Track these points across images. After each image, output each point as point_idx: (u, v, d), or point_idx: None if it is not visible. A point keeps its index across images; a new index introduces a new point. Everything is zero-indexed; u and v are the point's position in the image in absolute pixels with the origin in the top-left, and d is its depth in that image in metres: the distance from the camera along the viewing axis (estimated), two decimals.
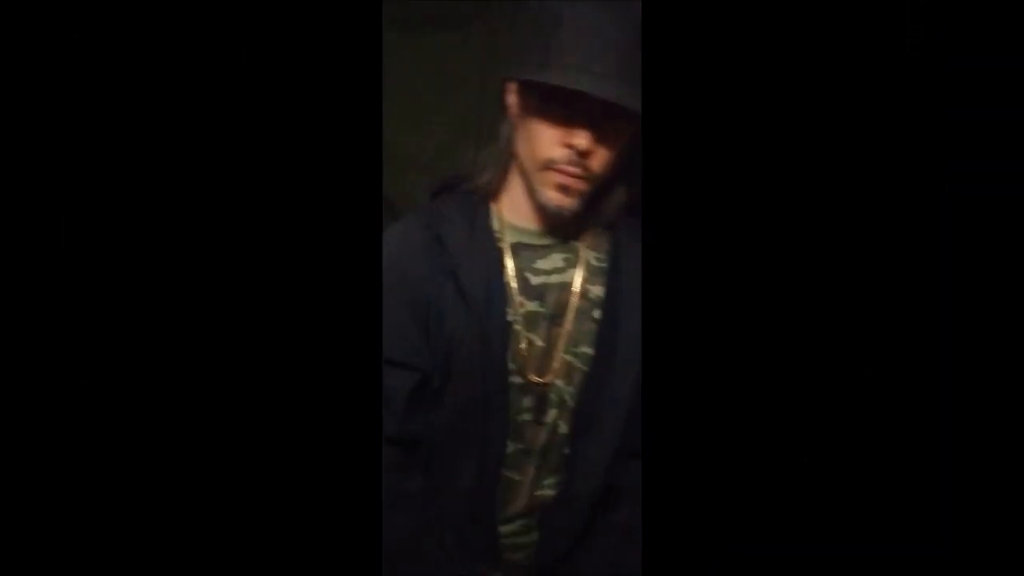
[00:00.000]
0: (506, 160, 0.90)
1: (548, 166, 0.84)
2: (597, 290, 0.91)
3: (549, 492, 0.91)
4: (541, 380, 0.88)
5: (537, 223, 0.91)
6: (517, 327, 0.88)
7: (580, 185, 0.85)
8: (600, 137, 0.83)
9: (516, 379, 0.88)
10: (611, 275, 0.92)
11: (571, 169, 0.83)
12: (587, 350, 0.90)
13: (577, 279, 0.90)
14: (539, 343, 0.89)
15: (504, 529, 0.91)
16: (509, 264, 0.89)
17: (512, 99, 0.87)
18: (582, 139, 0.81)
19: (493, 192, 0.93)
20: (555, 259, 0.91)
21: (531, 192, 0.88)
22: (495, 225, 0.92)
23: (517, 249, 0.91)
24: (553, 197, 0.85)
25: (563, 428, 0.90)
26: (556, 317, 0.90)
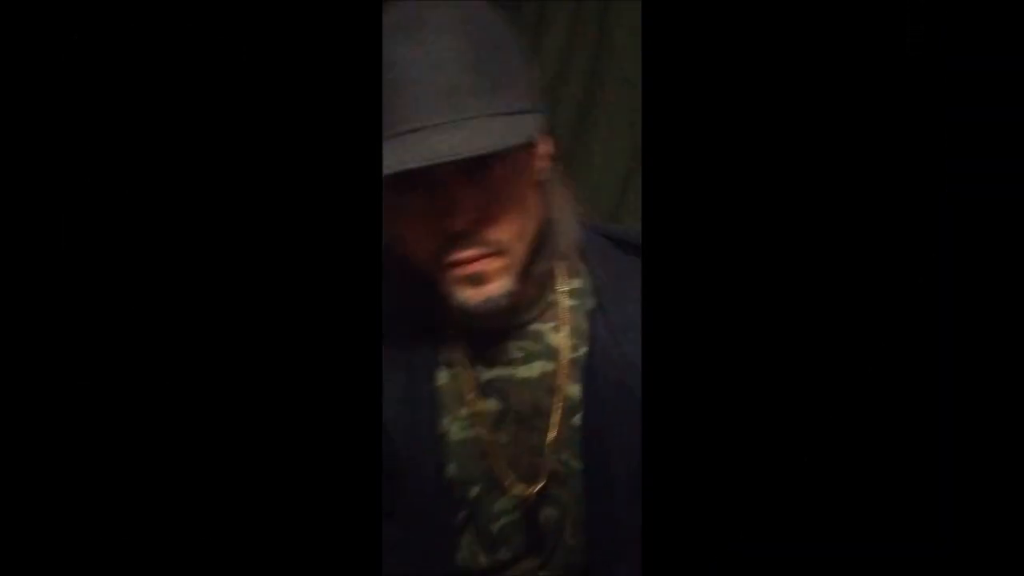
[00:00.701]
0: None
1: (442, 265, 0.66)
2: (572, 389, 0.72)
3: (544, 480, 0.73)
4: (527, 492, 0.71)
5: (477, 321, 0.70)
6: (466, 433, 0.71)
7: (493, 265, 0.65)
8: (485, 197, 0.64)
9: (474, 491, 0.71)
10: (587, 367, 0.71)
11: (468, 255, 0.65)
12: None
13: (537, 372, 0.72)
14: (510, 447, 0.72)
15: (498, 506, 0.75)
16: (454, 359, 0.72)
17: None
18: (458, 217, 0.63)
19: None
20: (509, 348, 0.72)
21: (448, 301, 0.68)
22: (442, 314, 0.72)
23: (465, 338, 0.72)
24: (470, 296, 0.66)
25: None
26: (522, 417, 0.72)
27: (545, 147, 0.69)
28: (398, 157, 0.61)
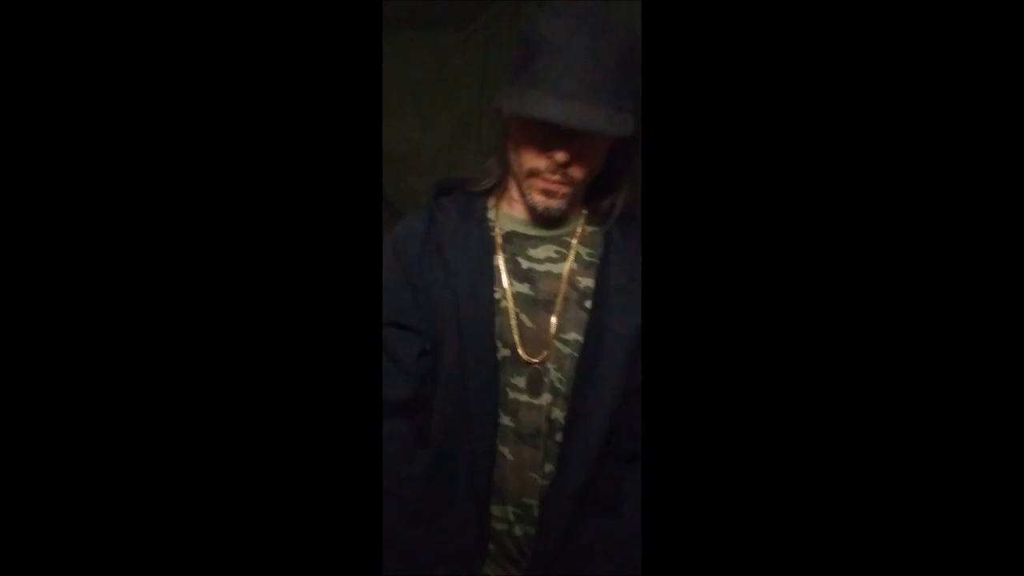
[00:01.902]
0: (503, 167, 0.98)
1: (533, 174, 0.93)
2: (587, 281, 0.96)
3: (542, 482, 0.92)
4: (533, 360, 0.93)
5: (530, 219, 0.99)
6: (505, 305, 0.94)
7: (563, 190, 0.94)
8: (579, 150, 0.91)
9: (506, 353, 0.93)
10: (601, 268, 0.97)
11: (553, 178, 0.93)
12: (576, 337, 0.94)
13: (566, 269, 0.96)
14: (529, 324, 0.94)
15: (495, 511, 0.93)
16: (500, 247, 0.97)
17: (501, 115, 0.94)
18: (560, 155, 0.90)
19: (491, 192, 1.01)
20: (547, 249, 0.98)
21: (522, 193, 0.97)
22: (491, 216, 1.00)
23: (510, 237, 0.98)
24: (539, 200, 0.94)
25: (556, 414, 0.92)
26: (547, 303, 0.95)
27: (633, 139, 0.93)
28: (536, 106, 0.86)
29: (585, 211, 0.99)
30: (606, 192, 0.98)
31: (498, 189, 0.99)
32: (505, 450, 0.93)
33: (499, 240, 0.97)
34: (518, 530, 0.93)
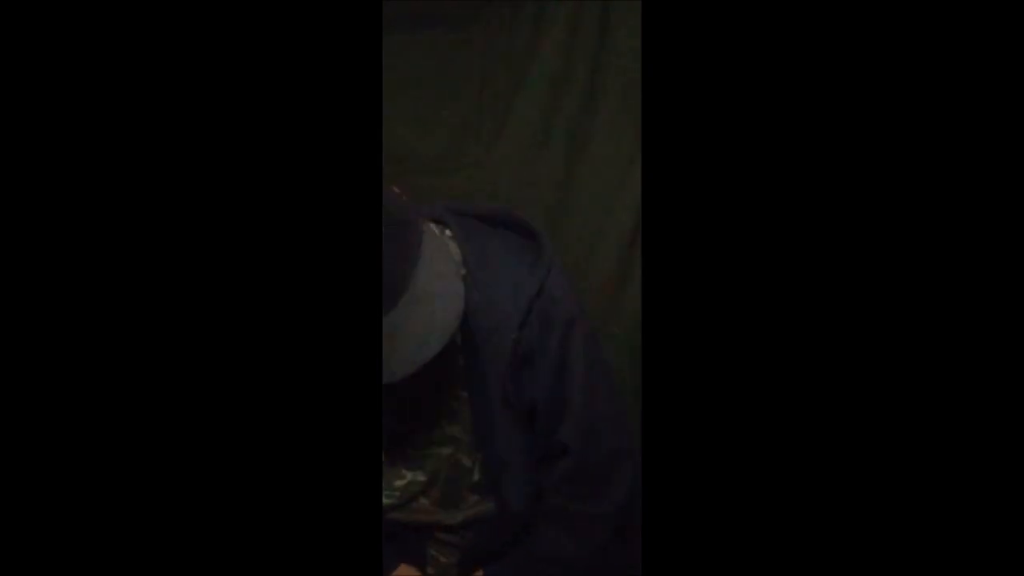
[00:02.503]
0: None
1: None
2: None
3: (459, 516, 0.99)
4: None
5: None
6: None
7: None
8: None
9: None
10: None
11: None
12: (464, 392, 0.95)
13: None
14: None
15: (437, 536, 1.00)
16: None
17: None
18: None
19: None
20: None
21: None
22: None
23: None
24: None
25: (464, 461, 0.97)
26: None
27: None
28: None
29: None
30: None
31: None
32: (423, 499, 0.99)
33: None
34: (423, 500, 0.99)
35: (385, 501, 0.99)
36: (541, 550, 0.97)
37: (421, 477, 0.98)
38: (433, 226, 0.94)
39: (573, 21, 1.17)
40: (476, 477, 0.98)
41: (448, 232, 0.96)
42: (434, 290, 0.83)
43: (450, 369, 0.94)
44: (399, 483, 0.99)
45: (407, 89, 1.27)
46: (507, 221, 1.00)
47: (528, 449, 0.97)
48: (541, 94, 1.18)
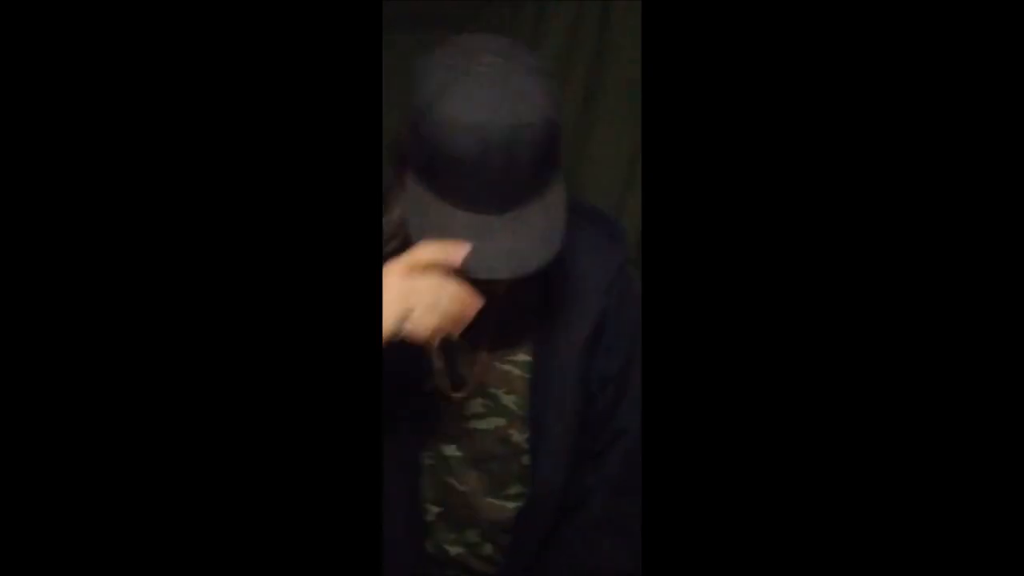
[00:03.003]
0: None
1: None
2: (516, 436, 0.89)
3: (509, 504, 0.89)
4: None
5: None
6: (440, 466, 0.88)
7: None
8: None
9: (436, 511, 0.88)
10: (531, 419, 0.88)
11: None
12: (525, 357, 0.88)
13: (494, 425, 0.89)
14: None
15: (453, 550, 0.90)
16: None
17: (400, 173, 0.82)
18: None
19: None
20: (474, 405, 0.89)
21: None
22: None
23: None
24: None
25: (516, 437, 0.88)
26: (481, 463, 0.89)
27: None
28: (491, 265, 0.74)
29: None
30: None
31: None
32: (453, 480, 0.89)
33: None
34: (488, 548, 0.90)
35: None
36: (595, 564, 0.90)
37: (458, 452, 0.90)
38: None
39: (573, 21, 1.17)
40: (526, 460, 0.89)
41: None
42: (560, 213, 0.76)
43: (520, 325, 0.86)
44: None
45: (407, 89, 1.27)
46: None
47: (576, 431, 0.88)
48: None
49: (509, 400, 0.88)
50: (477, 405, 0.88)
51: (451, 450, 0.89)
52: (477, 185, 0.73)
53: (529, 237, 0.74)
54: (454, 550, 0.91)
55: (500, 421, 0.88)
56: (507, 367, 0.88)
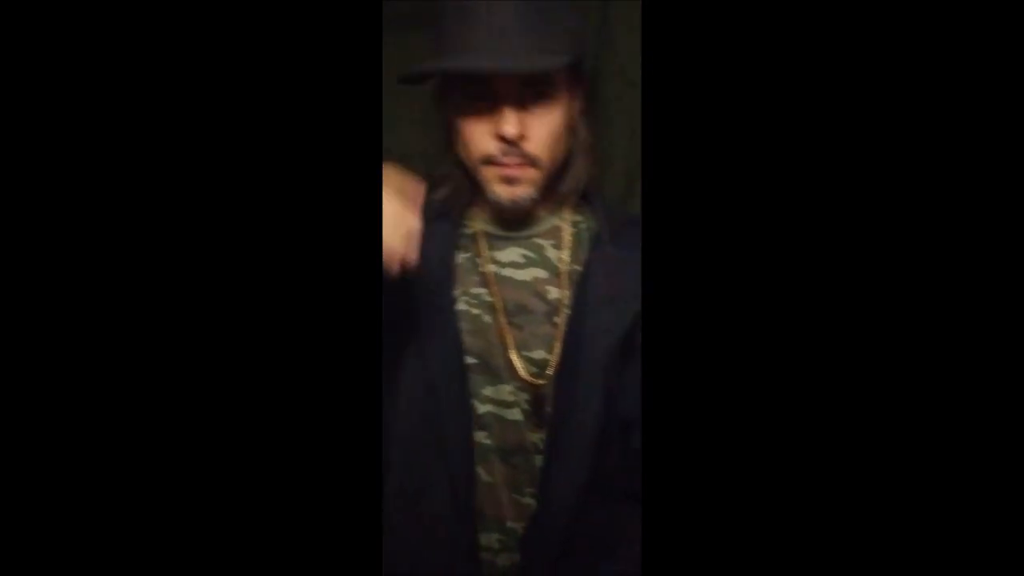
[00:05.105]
0: (459, 167, 0.88)
1: (487, 162, 0.83)
2: (556, 292, 0.87)
3: (528, 501, 0.85)
4: (533, 380, 0.83)
5: (499, 216, 0.89)
6: (475, 311, 0.86)
7: (525, 173, 0.82)
8: (529, 122, 0.81)
9: (472, 361, 0.85)
10: (582, 280, 0.87)
11: (509, 160, 0.82)
12: (544, 355, 0.86)
13: (531, 276, 0.87)
14: (493, 338, 0.85)
15: (482, 540, 0.86)
16: (463, 247, 0.88)
17: (439, 102, 0.86)
18: (509, 125, 0.80)
19: (463, 201, 0.91)
20: (513, 252, 0.89)
21: (485, 190, 0.86)
22: (466, 216, 0.90)
23: (476, 237, 0.89)
24: (502, 192, 0.84)
25: (534, 437, 0.85)
26: (509, 313, 0.87)
27: (580, 99, 0.84)
28: (460, 63, 0.78)
29: (567, 213, 0.89)
30: (563, 171, 0.87)
31: (460, 194, 0.89)
32: (480, 470, 0.85)
33: (464, 240, 0.88)
34: (503, 559, 0.86)
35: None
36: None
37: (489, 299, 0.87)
38: None
39: None
40: (539, 462, 0.85)
41: None
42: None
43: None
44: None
45: (407, 89, 1.27)
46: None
47: (592, 451, 0.84)
48: None
49: (557, 254, 0.87)
50: (517, 254, 0.88)
51: (480, 437, 0.86)
52: (487, 27, 0.77)
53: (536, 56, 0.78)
54: (483, 408, 0.87)
55: (541, 273, 0.87)
56: (560, 221, 0.88)
